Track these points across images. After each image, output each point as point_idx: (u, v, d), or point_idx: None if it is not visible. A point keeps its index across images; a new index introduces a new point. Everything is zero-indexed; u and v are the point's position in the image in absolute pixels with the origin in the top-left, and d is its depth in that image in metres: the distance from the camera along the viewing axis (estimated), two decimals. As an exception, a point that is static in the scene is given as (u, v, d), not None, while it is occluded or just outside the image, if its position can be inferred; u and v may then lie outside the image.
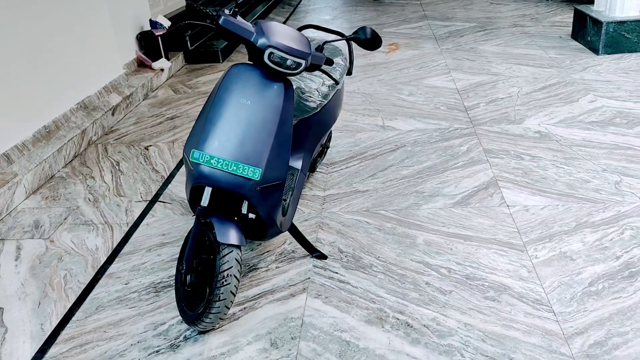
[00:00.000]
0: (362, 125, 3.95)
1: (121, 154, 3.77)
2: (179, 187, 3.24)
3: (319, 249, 2.58)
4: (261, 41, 1.99)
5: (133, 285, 2.44)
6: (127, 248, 2.72)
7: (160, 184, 3.32)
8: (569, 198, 2.86)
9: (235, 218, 2.12)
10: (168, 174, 3.43)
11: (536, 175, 3.09)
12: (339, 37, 2.41)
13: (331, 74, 2.74)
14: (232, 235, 2.02)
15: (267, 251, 2.61)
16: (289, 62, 2.03)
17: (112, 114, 4.37)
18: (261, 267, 2.50)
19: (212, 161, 1.99)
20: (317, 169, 3.33)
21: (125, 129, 4.25)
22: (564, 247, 2.47)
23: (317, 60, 2.16)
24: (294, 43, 2.04)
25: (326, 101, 2.67)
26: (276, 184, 2.10)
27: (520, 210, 2.78)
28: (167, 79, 5.40)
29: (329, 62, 2.29)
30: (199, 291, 2.14)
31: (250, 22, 2.10)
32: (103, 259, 2.65)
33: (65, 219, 3.01)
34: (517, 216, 2.73)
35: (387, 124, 3.92)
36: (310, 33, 3.20)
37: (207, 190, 2.06)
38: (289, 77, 2.17)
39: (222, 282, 1.98)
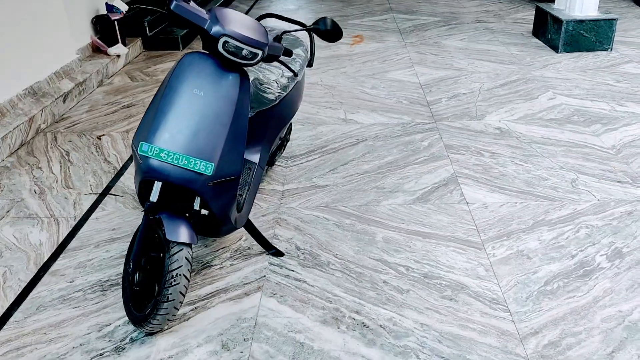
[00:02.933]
0: (323, 118, 3.88)
1: (71, 144, 3.60)
2: (131, 179, 3.11)
3: (275, 245, 2.50)
4: (215, 29, 1.89)
5: (78, 284, 2.32)
6: (73, 243, 2.59)
7: (112, 175, 3.18)
8: (527, 196, 2.86)
9: (187, 214, 2.03)
10: (121, 166, 3.29)
11: (495, 172, 3.09)
12: (299, 27, 2.33)
13: (290, 65, 2.66)
14: (182, 233, 1.93)
15: (222, 248, 2.52)
16: (244, 52, 1.94)
17: (64, 101, 4.17)
18: (215, 265, 2.41)
19: (161, 154, 1.89)
20: (277, 163, 3.25)
21: (77, 117, 4.07)
22: (521, 246, 2.47)
23: (274, 50, 2.08)
24: (251, 32, 1.95)
25: (285, 93, 2.59)
26: (230, 179, 2.01)
27: (480, 207, 2.77)
28: (123, 66, 5.21)
29: (288, 52, 2.21)
30: (147, 291, 2.04)
31: (206, 9, 1.99)
32: (47, 255, 2.51)
33: (8, 212, 2.85)
34: (476, 213, 2.72)
35: (349, 117, 3.87)
36: (270, 23, 3.10)
37: (157, 185, 1.96)
38: (245, 68, 2.08)
39: (171, 282, 1.88)
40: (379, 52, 5.35)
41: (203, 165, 1.89)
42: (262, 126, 2.56)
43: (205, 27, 1.92)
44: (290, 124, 3.19)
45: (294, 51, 2.76)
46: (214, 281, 2.31)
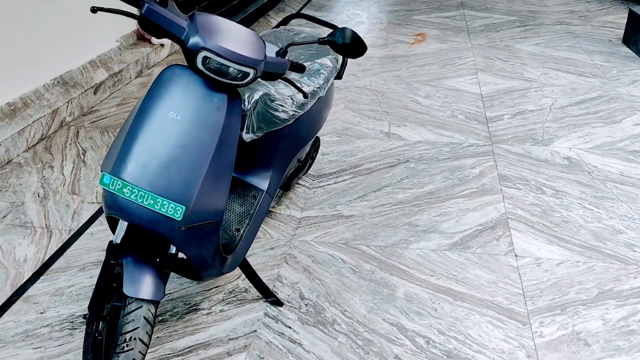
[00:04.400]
0: (364, 130, 3.44)
1: (92, 141, 3.37)
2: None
3: (277, 290, 2.13)
4: (193, 41, 1.51)
5: (48, 317, 2.04)
6: (58, 263, 2.32)
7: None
8: (593, 253, 2.32)
9: (158, 259, 1.69)
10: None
11: (557, 216, 2.56)
12: (311, 40, 1.91)
13: (312, 78, 2.25)
14: (143, 286, 1.59)
15: (216, 287, 2.17)
16: (231, 71, 1.55)
17: (95, 93, 3.96)
18: (203, 309, 2.06)
19: (124, 190, 1.54)
20: (302, 181, 2.86)
21: (106, 110, 3.84)
22: (578, 325, 1.96)
23: (275, 67, 1.67)
24: (240, 45, 1.55)
25: (302, 112, 2.18)
26: (209, 224, 1.64)
27: (531, 264, 2.26)
28: (167, 56, 4.96)
29: (299, 68, 1.80)
30: (110, 342, 1.72)
31: (188, 15, 1.61)
32: (27, 276, 2.26)
33: (4, 217, 2.63)
34: (526, 272, 2.22)
35: (393, 132, 3.41)
36: (303, 29, 2.67)
37: (122, 224, 1.63)
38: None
39: (123, 347, 1.55)
40: (440, 54, 4.82)
41: (172, 207, 1.53)
42: (271, 149, 2.18)
43: (182, 38, 1.54)
44: (318, 139, 2.79)
45: (320, 61, 2.35)
46: (197, 331, 1.96)
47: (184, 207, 1.53)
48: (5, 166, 3.11)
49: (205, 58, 1.51)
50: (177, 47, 5.11)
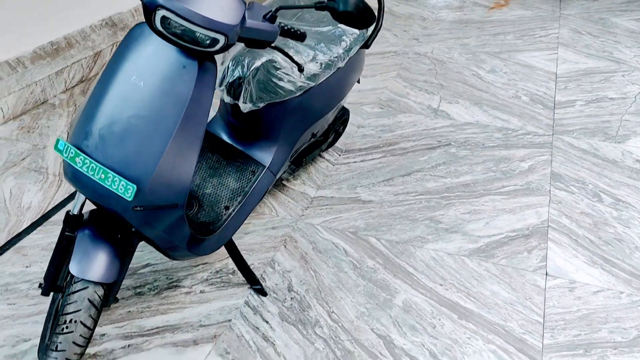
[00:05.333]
0: (411, 103, 3.12)
1: (128, 88, 3.27)
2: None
3: (266, 277, 1.95)
4: None
5: (32, 272, 1.99)
6: (58, 216, 2.27)
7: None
8: (643, 284, 1.95)
9: (119, 235, 1.55)
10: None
11: (610, 232, 2.17)
12: (305, 3, 1.63)
13: (332, 46, 1.97)
14: (93, 266, 1.45)
15: (204, 263, 2.03)
16: (198, 36, 1.32)
17: (143, 37, 3.85)
18: (183, 287, 1.93)
19: (76, 160, 1.39)
20: (327, 154, 2.62)
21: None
22: (600, 373, 1.64)
23: (259, 34, 1.43)
24: (209, 5, 1.31)
25: (313, 84, 1.93)
26: (170, 205, 1.46)
27: (562, 286, 1.93)
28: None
29: (295, 35, 1.54)
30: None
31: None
32: (26, 224, 2.22)
33: (23, 159, 2.61)
34: (554, 296, 1.89)
35: (442, 108, 3.06)
36: None
37: (79, 195, 1.49)
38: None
39: (63, 329, 1.44)
40: (521, 22, 4.29)
41: (123, 185, 1.36)
42: (277, 122, 1.96)
43: None
44: (346, 111, 2.52)
45: (343, 26, 2.05)
46: (170, 311, 1.84)
47: (135, 187, 1.35)
48: (40, 106, 3.10)
49: (164, 18, 1.29)
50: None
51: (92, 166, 1.38)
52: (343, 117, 2.50)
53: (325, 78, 1.97)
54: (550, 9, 4.57)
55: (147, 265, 2.01)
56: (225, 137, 2.05)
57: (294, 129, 2.02)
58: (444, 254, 2.07)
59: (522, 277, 1.96)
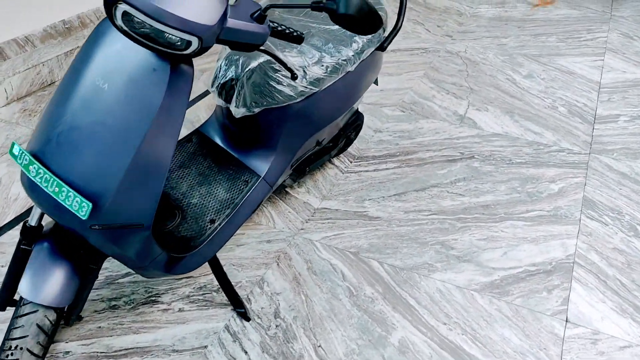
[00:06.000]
0: (436, 108, 2.87)
1: (139, 73, 3.13)
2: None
3: (252, 298, 1.78)
4: None
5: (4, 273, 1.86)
6: (45, 211, 2.13)
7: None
8: (679, 341, 1.70)
9: (82, 251, 1.39)
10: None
11: (645, 274, 1.92)
12: (300, 3, 1.42)
13: (338, 48, 1.76)
14: (44, 287, 1.30)
15: (188, 277, 1.87)
16: (168, 37, 1.13)
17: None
18: (162, 302, 1.77)
19: (30, 168, 1.23)
20: (338, 161, 2.42)
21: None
22: None
23: (243, 36, 1.23)
24: (181, 2, 1.12)
25: (316, 89, 1.72)
26: (133, 226, 1.29)
27: (584, 337, 1.70)
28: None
29: (291, 38, 1.34)
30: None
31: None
32: (9, 218, 2.10)
33: (22, 144, 2.49)
34: (573, 348, 1.66)
35: (469, 115, 2.81)
36: None
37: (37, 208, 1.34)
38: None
39: (7, 355, 1.29)
40: (566, 22, 3.96)
41: (77, 202, 1.20)
42: (275, 129, 1.76)
43: None
44: (360, 116, 2.31)
45: None
46: (143, 330, 1.68)
47: (90, 205, 1.19)
48: (46, 88, 2.98)
49: (126, 15, 1.10)
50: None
51: (46, 177, 1.22)
52: (356, 122, 2.29)
53: (331, 83, 1.77)
54: (600, 9, 4.21)
55: (127, 274, 1.86)
56: (219, 141, 1.87)
57: (294, 137, 1.82)
58: (452, 286, 1.85)
59: (538, 322, 1.73)
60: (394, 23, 1.97)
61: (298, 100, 1.70)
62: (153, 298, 1.78)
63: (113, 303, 1.76)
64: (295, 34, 1.35)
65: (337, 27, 1.82)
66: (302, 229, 2.08)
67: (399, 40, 3.62)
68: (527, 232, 2.08)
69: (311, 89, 1.70)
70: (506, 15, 4.07)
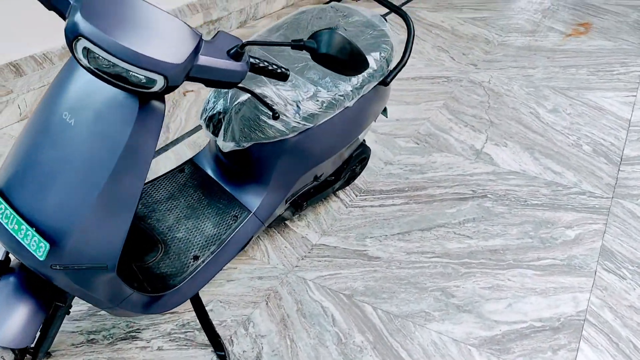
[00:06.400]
0: (452, 141, 2.76)
1: (154, 94, 3.12)
2: (170, 160, 2.50)
3: (234, 340, 1.70)
4: (71, 21, 1.04)
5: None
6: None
7: (159, 146, 2.61)
8: (697, 419, 1.53)
9: (48, 288, 1.34)
10: (177, 136, 2.70)
11: (663, 338, 1.76)
12: (282, 41, 1.34)
13: (335, 82, 1.68)
14: (3, 326, 1.25)
15: (173, 312, 1.80)
16: (132, 75, 1.07)
17: (183, 39, 3.70)
18: (141, 339, 1.71)
19: (-7, 202, 1.19)
20: (342, 194, 2.34)
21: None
22: None
23: (218, 74, 1.16)
24: (147, 38, 1.06)
25: (311, 124, 1.65)
26: (96, 267, 1.24)
27: (588, 406, 1.55)
28: (281, 8, 4.56)
29: (274, 74, 1.27)
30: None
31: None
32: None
33: (26, 164, 2.49)
34: (574, 418, 1.52)
35: (486, 150, 2.69)
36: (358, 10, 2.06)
37: (5, 238, 1.29)
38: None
39: (-38, 396, 1.24)
40: (599, 55, 3.79)
41: (35, 242, 1.15)
42: (267, 164, 1.70)
43: (66, 15, 1.09)
44: (366, 149, 2.22)
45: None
46: (118, 368, 1.62)
47: (48, 246, 1.13)
48: (61, 106, 2.98)
49: (86, 50, 1.05)
50: (293, 0, 4.66)
51: (7, 213, 1.17)
52: (361, 155, 2.20)
53: (327, 118, 1.69)
54: (636, 41, 4.03)
55: (111, 306, 1.81)
56: (211, 173, 1.81)
57: (288, 172, 1.75)
58: (449, 338, 1.73)
59: (539, 386, 1.60)
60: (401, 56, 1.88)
61: (291, 135, 1.62)
62: (133, 334, 1.72)
63: (92, 337, 1.71)
64: (279, 70, 1.28)
65: (337, 60, 1.74)
66: (296, 266, 1.99)
67: (422, 68, 3.52)
68: (536, 283, 1.94)
69: (305, 124, 1.62)
70: (536, 45, 3.93)
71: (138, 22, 1.08)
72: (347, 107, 1.73)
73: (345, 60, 1.16)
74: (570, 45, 3.94)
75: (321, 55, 1.16)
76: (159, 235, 1.65)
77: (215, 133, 1.61)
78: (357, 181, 2.44)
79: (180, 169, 1.84)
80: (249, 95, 1.56)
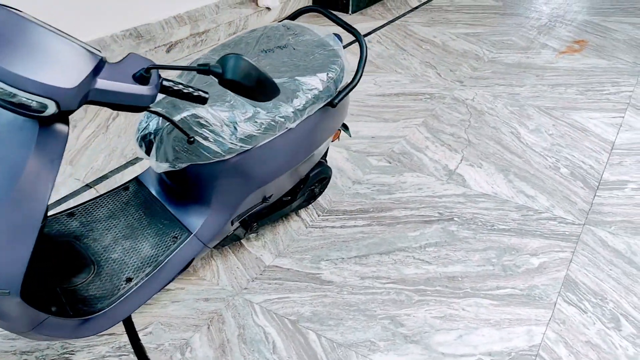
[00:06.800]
0: (425, 161, 2.70)
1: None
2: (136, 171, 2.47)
3: (169, 365, 1.65)
4: None
5: None
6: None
7: (126, 161, 2.59)
8: None
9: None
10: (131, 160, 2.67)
11: (618, 377, 1.67)
12: (190, 66, 1.30)
13: (276, 103, 1.63)
14: None
15: (111, 334, 1.76)
16: (20, 99, 1.03)
17: (168, 51, 3.71)
18: (74, 360, 1.67)
19: None
20: (305, 213, 2.29)
21: (174, 72, 3.56)
22: None
23: (120, 97, 1.13)
24: (38, 61, 1.02)
25: (250, 146, 1.60)
26: (-1, 292, 1.20)
27: None
28: (272, 21, 4.54)
29: (193, 98, 1.23)
30: None
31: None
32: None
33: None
34: None
35: (459, 171, 2.62)
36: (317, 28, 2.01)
37: None
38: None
39: None
40: (590, 73, 3.71)
41: None
42: (205, 184, 1.65)
43: None
44: (326, 169, 2.17)
45: (302, 79, 1.70)
46: (46, 391, 1.58)
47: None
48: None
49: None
50: (286, 12, 4.65)
51: None
52: (320, 175, 2.15)
53: (268, 140, 1.64)
54: (631, 60, 3.94)
55: (50, 325, 1.77)
56: (154, 192, 1.77)
57: (231, 193, 1.70)
58: (391, 371, 1.67)
59: None
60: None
61: (228, 157, 1.58)
62: (67, 355, 1.68)
63: (25, 357, 1.67)
64: (195, 94, 1.24)
65: (282, 80, 1.70)
66: (245, 289, 1.94)
67: (406, 84, 3.47)
68: (492, 313, 1.87)
69: (242, 146, 1.58)
70: (527, 62, 3.86)
71: (31, 47, 1.04)
72: (290, 128, 1.68)
73: (252, 87, 1.12)
74: (562, 63, 3.86)
75: (227, 81, 1.11)
76: (93, 255, 1.61)
77: (149, 153, 1.57)
78: (322, 200, 2.38)
79: (124, 186, 1.80)
80: (182, 116, 1.52)
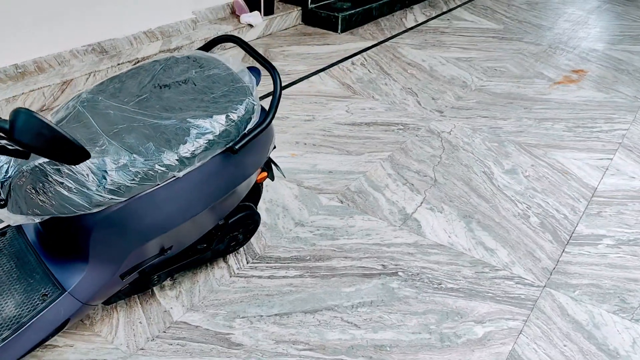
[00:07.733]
0: (382, 202, 2.46)
1: (82, 126, 2.93)
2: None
3: None
4: None
5: None
6: None
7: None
8: None
9: None
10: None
11: None
12: None
13: (161, 148, 1.42)
14: None
15: (-25, 398, 1.55)
16: None
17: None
18: None
19: None
20: (235, 257, 2.07)
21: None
22: None
23: None
24: None
25: (122, 198, 1.39)
26: None
27: None
28: (255, 39, 4.35)
29: (15, 153, 1.02)
30: None
31: None
32: None
33: None
34: None
35: (416, 216, 2.37)
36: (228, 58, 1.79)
37: None
38: None
39: None
40: (585, 106, 3.42)
41: None
42: (77, 238, 1.44)
43: None
44: (251, 214, 1.95)
45: (196, 121, 1.49)
46: None
47: None
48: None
49: None
50: (279, 28, 4.45)
51: None
52: (245, 221, 1.92)
53: (147, 191, 1.43)
54: (632, 93, 3.64)
55: None
56: (32, 241, 1.57)
57: (110, 247, 1.49)
58: None
59: None
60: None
61: (96, 210, 1.37)
62: None
63: None
64: (13, 148, 1.03)
65: (171, 122, 1.49)
66: (142, 349, 1.72)
67: (381, 112, 3.24)
68: (415, 396, 1.61)
69: (112, 198, 1.36)
70: (516, 92, 3.59)
71: None
72: (177, 178, 1.46)
73: (44, 148, 0.91)
74: (555, 95, 3.58)
75: (15, 141, 0.90)
76: (-53, 313, 1.41)
77: (2, 205, 1.37)
78: (256, 244, 2.16)
79: (1, 232, 1.61)
80: (38, 162, 1.31)
